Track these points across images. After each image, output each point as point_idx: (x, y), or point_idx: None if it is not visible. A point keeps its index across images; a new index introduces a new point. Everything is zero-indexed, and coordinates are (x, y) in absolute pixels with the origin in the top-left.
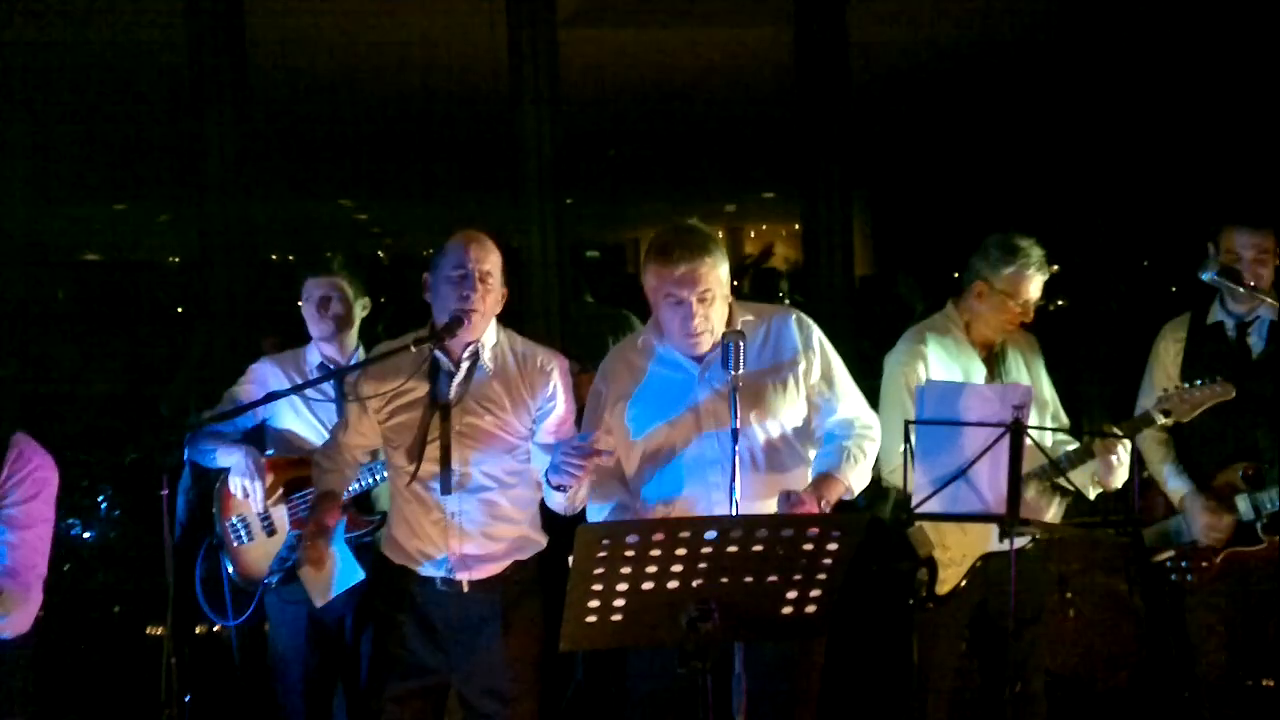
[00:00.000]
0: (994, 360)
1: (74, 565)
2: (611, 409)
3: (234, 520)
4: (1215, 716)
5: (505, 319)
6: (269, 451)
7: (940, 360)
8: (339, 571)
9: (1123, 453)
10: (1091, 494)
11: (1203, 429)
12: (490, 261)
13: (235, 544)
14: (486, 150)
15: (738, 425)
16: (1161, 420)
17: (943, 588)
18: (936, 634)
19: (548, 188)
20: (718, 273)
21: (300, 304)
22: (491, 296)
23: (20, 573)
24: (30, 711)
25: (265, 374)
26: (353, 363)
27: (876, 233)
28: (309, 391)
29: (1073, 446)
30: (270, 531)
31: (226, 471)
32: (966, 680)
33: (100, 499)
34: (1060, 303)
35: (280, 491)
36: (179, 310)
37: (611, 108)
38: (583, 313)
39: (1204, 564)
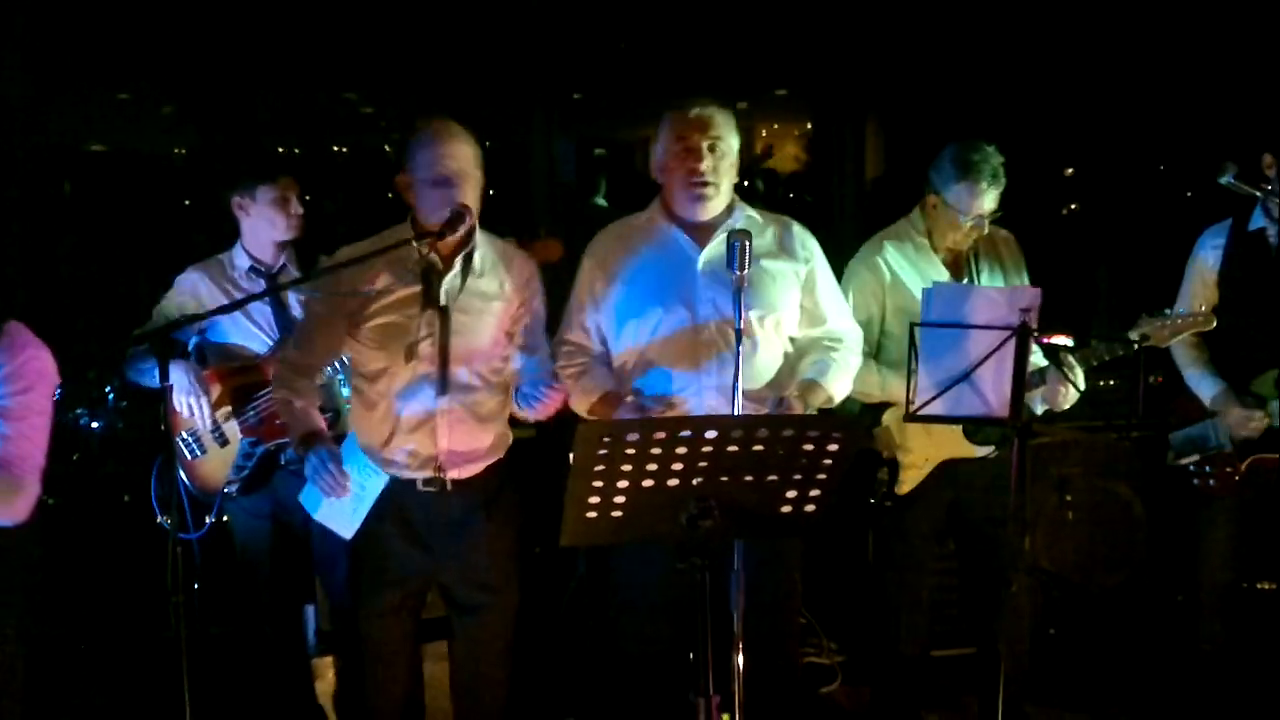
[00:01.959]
0: (961, 266)
1: (82, 455)
2: (603, 288)
3: (184, 435)
4: (1213, 619)
5: (512, 219)
6: (210, 362)
7: (899, 267)
8: (358, 495)
9: (1071, 390)
10: (1039, 410)
11: (1240, 335)
12: (466, 155)
13: (190, 458)
14: (494, 41)
15: (741, 326)
16: (1138, 344)
17: (901, 488)
18: (907, 534)
19: (553, 81)
20: (731, 132)
21: (237, 208)
22: (475, 192)
23: (13, 464)
24: (21, 605)
25: (194, 284)
26: (281, 264)
27: (889, 133)
28: (239, 296)
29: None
30: (223, 443)
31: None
32: (946, 579)
33: (108, 390)
34: (1073, 207)
35: (229, 402)
36: (186, 203)
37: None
38: (593, 215)
39: (1228, 469)
